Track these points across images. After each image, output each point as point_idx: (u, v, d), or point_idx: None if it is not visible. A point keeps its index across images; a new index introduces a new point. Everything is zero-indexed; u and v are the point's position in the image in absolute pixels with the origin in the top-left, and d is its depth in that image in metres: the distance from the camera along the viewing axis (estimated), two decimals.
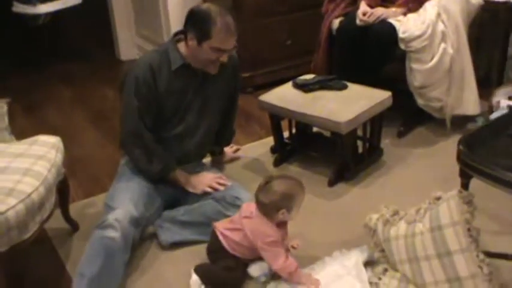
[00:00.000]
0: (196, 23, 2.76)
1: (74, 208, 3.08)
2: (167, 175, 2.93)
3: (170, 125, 2.95)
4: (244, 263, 2.61)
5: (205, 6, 2.84)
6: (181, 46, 2.86)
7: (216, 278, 2.56)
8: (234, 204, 2.82)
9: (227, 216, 2.76)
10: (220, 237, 2.59)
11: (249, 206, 2.59)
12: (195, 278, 2.56)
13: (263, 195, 2.49)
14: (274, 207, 2.49)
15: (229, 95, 3.15)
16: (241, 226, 2.55)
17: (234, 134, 3.47)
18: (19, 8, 5.31)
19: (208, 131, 3.07)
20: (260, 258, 2.59)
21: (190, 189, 2.93)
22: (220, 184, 2.91)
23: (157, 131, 2.93)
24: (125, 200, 2.73)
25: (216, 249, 2.62)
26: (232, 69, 3.07)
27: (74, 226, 3.01)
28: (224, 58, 2.82)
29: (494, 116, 3.51)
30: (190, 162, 3.05)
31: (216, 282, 2.56)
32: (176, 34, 2.91)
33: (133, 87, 2.81)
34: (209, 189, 2.90)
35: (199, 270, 2.58)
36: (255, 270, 2.60)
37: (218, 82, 2.98)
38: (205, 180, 2.94)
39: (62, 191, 2.90)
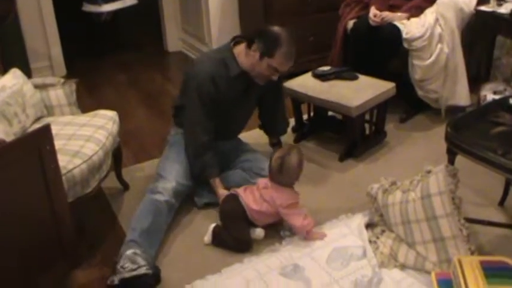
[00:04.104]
0: (266, 39, 2.65)
1: (125, 171, 3.12)
2: (205, 178, 2.82)
3: (223, 116, 2.85)
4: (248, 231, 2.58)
5: (278, 29, 2.69)
6: (238, 51, 2.75)
7: (225, 244, 2.56)
8: (259, 174, 2.82)
9: (253, 183, 2.74)
10: (246, 207, 2.57)
11: (263, 179, 2.61)
12: (209, 236, 2.59)
13: (280, 172, 2.50)
14: (292, 178, 2.53)
15: (269, 88, 2.95)
16: (263, 197, 2.54)
17: (288, 125, 3.27)
18: (87, 7, 5.40)
19: (248, 116, 3.06)
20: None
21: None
22: None
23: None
24: (173, 172, 2.73)
25: (234, 215, 2.58)
26: None
27: (125, 186, 3.07)
28: (276, 76, 2.74)
29: None
30: (233, 138, 3.05)
31: (224, 246, 2.56)
32: (234, 38, 2.80)
33: (197, 99, 2.69)
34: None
35: (217, 230, 2.59)
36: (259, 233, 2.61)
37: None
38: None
39: (117, 157, 2.95)
